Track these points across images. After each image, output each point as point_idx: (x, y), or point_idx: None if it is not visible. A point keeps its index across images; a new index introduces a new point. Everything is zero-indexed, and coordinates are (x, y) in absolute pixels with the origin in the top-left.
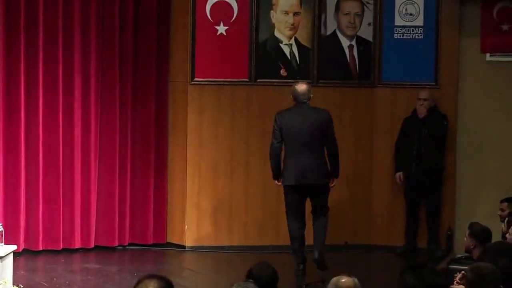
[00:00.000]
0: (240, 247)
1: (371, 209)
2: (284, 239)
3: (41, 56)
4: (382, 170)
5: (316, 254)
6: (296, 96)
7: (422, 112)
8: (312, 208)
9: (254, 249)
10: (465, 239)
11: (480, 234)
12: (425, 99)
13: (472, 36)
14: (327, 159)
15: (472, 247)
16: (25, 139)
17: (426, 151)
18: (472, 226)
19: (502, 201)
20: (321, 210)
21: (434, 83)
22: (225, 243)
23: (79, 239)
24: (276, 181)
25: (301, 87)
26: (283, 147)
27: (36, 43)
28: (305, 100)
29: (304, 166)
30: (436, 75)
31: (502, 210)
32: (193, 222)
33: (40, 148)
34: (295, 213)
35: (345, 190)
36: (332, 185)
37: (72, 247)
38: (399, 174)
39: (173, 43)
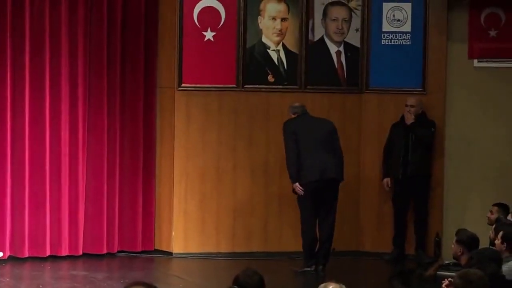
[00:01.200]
0: (228, 254)
1: (359, 215)
2: (272, 246)
3: (27, 61)
4: (370, 176)
5: (323, 260)
6: (296, 111)
7: (409, 118)
8: (322, 208)
9: (242, 255)
10: (453, 245)
11: (467, 241)
12: (412, 106)
13: (460, 42)
14: None
15: (459, 253)
16: (11, 145)
17: (413, 157)
18: (459, 232)
19: (494, 205)
20: (331, 209)
21: (421, 89)
22: (213, 249)
23: (67, 246)
24: (298, 186)
25: (295, 102)
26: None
27: (22, 48)
28: (305, 111)
29: (325, 162)
30: (424, 81)
31: (491, 212)
32: (180, 228)
33: (27, 154)
34: (314, 213)
35: None
36: None
37: (59, 255)
38: (386, 180)
39: (160, 48)
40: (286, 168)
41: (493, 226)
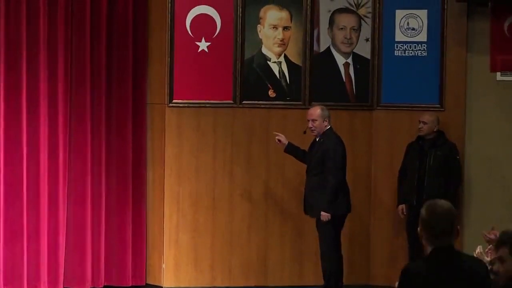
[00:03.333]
0: None
1: (370, 245)
2: (272, 280)
3: (2, 76)
4: (382, 202)
5: None
6: (329, 118)
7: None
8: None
9: None
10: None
11: None
12: (424, 122)
13: (480, 53)
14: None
15: None
16: None
17: (429, 182)
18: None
19: None
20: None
21: (439, 105)
22: (207, 284)
23: (46, 281)
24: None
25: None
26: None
27: None
28: None
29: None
30: (441, 97)
31: None
32: (171, 260)
33: (1, 177)
34: (339, 245)
35: None
36: None
37: None
38: (401, 207)
39: (150, 60)
40: (331, 194)
41: None
